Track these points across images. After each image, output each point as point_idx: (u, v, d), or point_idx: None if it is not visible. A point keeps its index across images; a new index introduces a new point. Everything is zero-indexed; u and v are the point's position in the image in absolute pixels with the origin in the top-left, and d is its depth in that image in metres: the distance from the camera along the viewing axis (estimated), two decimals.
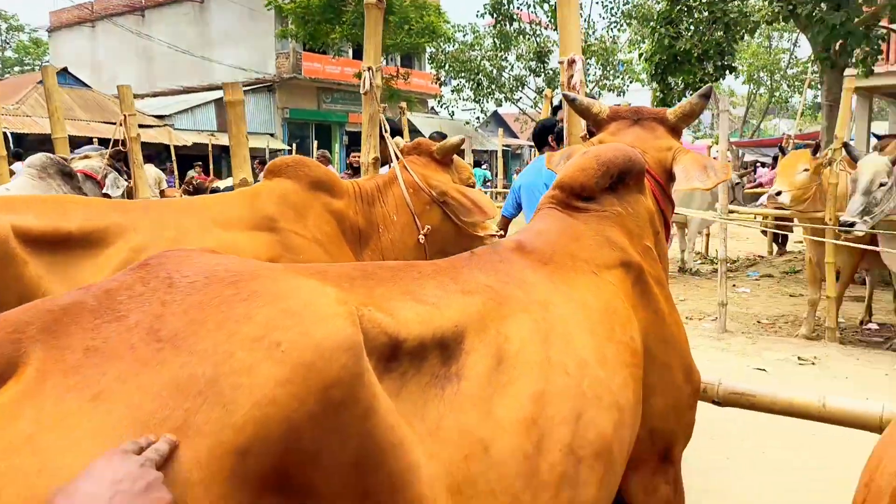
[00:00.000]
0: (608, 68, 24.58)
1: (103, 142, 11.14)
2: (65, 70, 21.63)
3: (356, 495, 1.01)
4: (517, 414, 1.27)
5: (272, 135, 24.99)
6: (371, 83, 3.29)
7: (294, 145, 18.54)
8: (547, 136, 4.32)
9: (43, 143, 14.77)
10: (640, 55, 14.25)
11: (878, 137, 11.65)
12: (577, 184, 1.84)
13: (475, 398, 1.23)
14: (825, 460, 3.82)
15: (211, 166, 16.08)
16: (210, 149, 16.80)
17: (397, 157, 3.01)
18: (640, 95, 22.93)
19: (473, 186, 3.26)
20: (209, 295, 1.00)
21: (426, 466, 1.11)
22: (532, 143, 4.40)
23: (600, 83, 24.53)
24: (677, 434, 1.81)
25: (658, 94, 12.97)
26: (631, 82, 25.03)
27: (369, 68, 3.31)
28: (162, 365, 0.90)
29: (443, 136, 4.04)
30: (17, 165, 5.38)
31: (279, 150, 23.04)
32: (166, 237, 2.35)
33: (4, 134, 5.36)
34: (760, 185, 11.65)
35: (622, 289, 1.70)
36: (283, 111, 26.75)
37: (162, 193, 8.70)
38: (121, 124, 4.46)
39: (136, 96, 4.91)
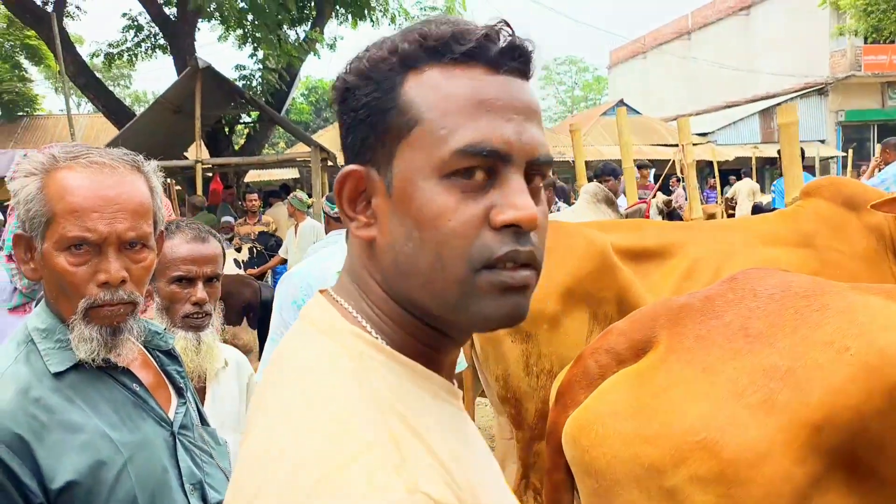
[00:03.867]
0: None
1: (652, 161, 12.28)
2: (621, 101, 24.33)
3: None
4: None
5: (822, 141, 23.11)
6: None
7: (850, 151, 16.69)
8: None
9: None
10: None
11: None
12: None
13: None
14: None
15: (754, 179, 15.86)
16: (753, 161, 16.59)
17: None
18: None
19: None
20: (785, 305, 1.28)
21: None
22: None
23: None
24: None
25: None
26: None
27: None
28: (751, 353, 1.22)
29: None
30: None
31: (830, 158, 21.15)
32: (718, 251, 2.76)
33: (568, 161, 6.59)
34: None
35: None
36: (836, 114, 24.46)
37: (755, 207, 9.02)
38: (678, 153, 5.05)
39: (679, 117, 5.40)
